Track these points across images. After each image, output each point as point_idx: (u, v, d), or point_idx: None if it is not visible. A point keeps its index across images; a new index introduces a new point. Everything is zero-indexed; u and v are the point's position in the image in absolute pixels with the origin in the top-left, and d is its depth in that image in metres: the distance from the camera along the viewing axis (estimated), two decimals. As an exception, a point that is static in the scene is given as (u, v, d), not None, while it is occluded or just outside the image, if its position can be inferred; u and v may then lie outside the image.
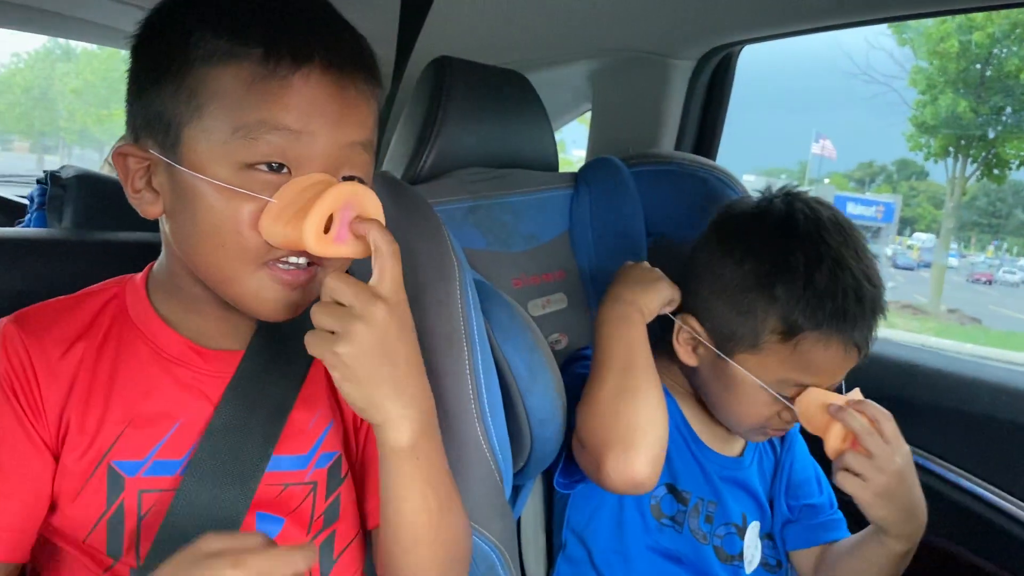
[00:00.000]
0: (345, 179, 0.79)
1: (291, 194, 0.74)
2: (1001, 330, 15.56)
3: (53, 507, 0.82)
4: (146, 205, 0.81)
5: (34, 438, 0.80)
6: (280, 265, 0.78)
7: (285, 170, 0.76)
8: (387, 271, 0.74)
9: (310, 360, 0.90)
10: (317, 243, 0.73)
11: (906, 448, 1.09)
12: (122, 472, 0.82)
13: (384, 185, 1.15)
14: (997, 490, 1.36)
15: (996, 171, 16.10)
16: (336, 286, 0.73)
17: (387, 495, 0.82)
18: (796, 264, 1.09)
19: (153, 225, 1.43)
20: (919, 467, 1.43)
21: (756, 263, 1.12)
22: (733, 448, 1.27)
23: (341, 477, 0.92)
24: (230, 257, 0.77)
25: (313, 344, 0.75)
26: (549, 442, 1.13)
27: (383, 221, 0.76)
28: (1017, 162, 15.50)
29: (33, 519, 0.81)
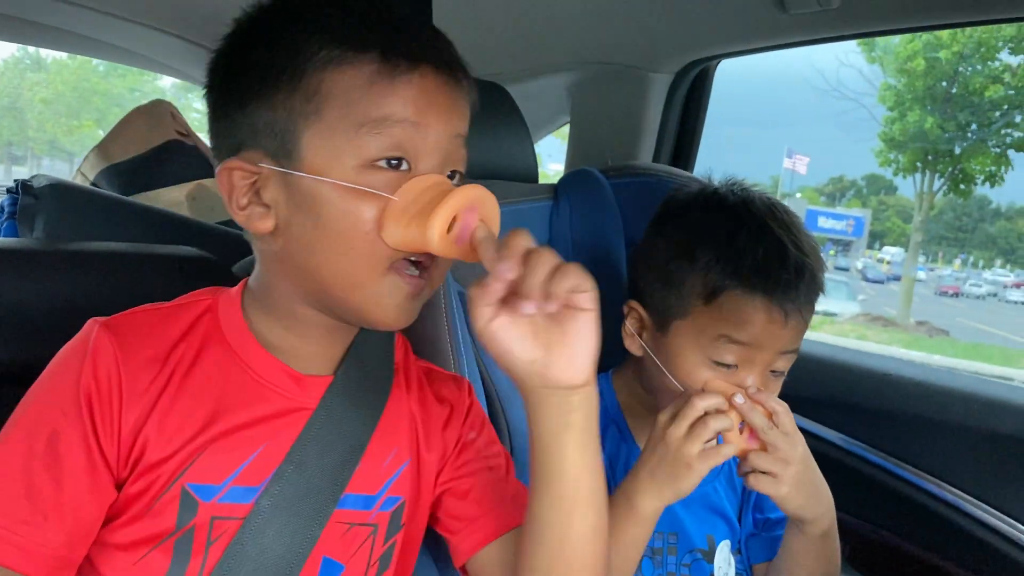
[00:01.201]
0: (450, 176, 0.81)
1: (412, 194, 0.74)
2: (968, 342, 15.79)
3: (108, 523, 0.79)
4: (256, 221, 0.78)
5: (96, 462, 0.76)
6: (403, 269, 0.78)
7: (404, 166, 0.76)
8: None
9: (388, 391, 0.89)
10: (441, 242, 0.72)
11: (801, 436, 1.06)
12: (196, 496, 0.78)
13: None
14: (968, 496, 1.38)
15: (962, 186, 16.40)
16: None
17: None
18: (719, 230, 1.10)
19: (129, 235, 1.41)
20: (893, 475, 1.46)
21: (682, 234, 1.13)
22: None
23: (400, 524, 0.89)
24: (360, 259, 0.75)
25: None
26: (528, 454, 1.13)
27: (499, 226, 0.77)
28: (982, 177, 15.79)
29: (80, 542, 0.77)
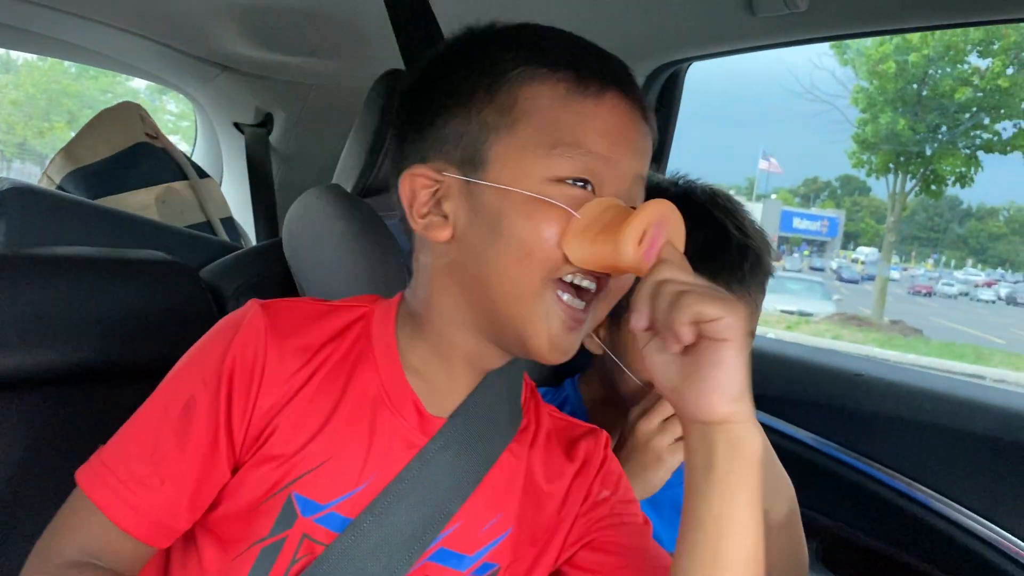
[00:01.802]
0: None
1: (594, 212, 0.74)
2: (941, 340, 16.00)
3: (214, 506, 0.79)
4: (435, 229, 0.78)
5: (220, 437, 0.77)
6: (564, 293, 0.76)
7: (589, 187, 0.76)
8: None
9: (501, 449, 0.86)
10: (634, 251, 0.72)
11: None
12: (298, 508, 0.77)
13: (334, 199, 1.14)
14: (938, 494, 1.39)
15: (933, 187, 16.63)
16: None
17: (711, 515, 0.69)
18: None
19: (96, 240, 1.39)
20: (864, 474, 1.47)
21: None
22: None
23: None
24: (534, 269, 0.75)
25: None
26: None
27: (683, 243, 0.78)
28: (953, 178, 16.02)
29: (186, 513, 0.78)
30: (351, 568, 0.77)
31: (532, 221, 0.74)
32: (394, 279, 1.07)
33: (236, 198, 2.21)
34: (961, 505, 1.37)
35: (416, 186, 0.79)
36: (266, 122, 2.19)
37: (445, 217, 0.78)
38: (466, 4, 1.06)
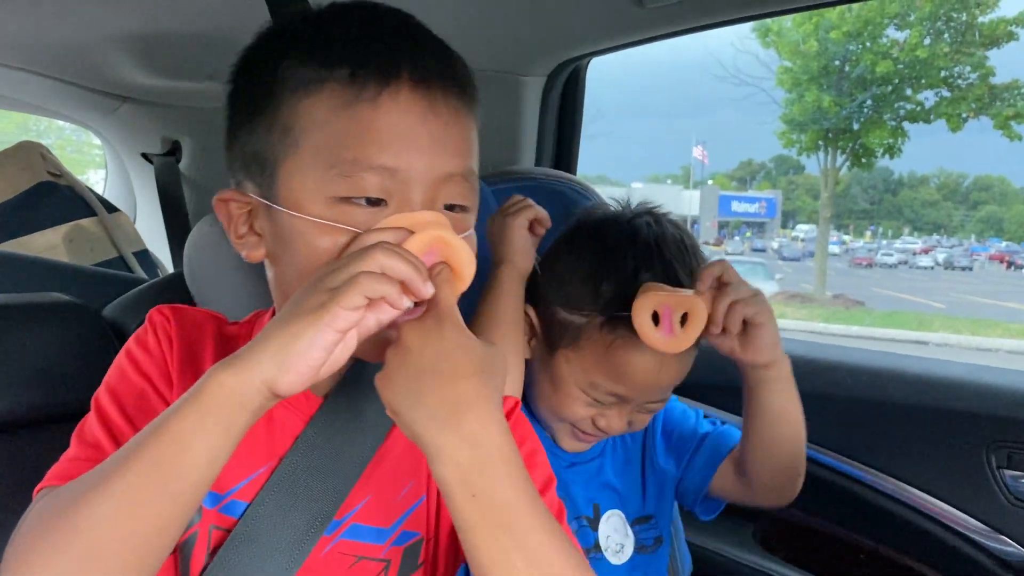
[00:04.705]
0: (446, 207, 0.75)
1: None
2: (884, 310, 16.39)
3: None
4: (250, 250, 0.78)
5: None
6: None
7: (383, 203, 0.72)
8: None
9: (390, 423, 0.83)
10: None
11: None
12: (202, 501, 0.75)
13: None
14: (868, 467, 1.42)
15: (864, 160, 17.05)
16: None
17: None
18: (626, 267, 1.08)
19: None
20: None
21: (589, 262, 1.11)
22: (580, 444, 1.26)
23: (417, 563, 0.84)
24: None
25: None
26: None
27: (472, 269, 0.72)
28: (881, 150, 16.44)
29: None
30: (257, 549, 0.76)
31: (317, 246, 0.72)
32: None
33: (152, 229, 2.17)
34: (887, 475, 1.40)
35: (231, 208, 0.78)
36: (174, 150, 2.15)
37: (260, 236, 0.78)
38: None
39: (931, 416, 1.38)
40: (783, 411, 1.10)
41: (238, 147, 0.78)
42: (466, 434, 0.64)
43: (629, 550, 1.22)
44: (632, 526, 1.24)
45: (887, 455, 1.41)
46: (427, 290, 0.66)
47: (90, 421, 0.77)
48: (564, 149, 1.80)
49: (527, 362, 1.20)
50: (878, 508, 1.39)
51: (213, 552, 0.76)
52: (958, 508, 1.33)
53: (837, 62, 16.79)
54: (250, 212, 0.78)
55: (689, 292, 1.02)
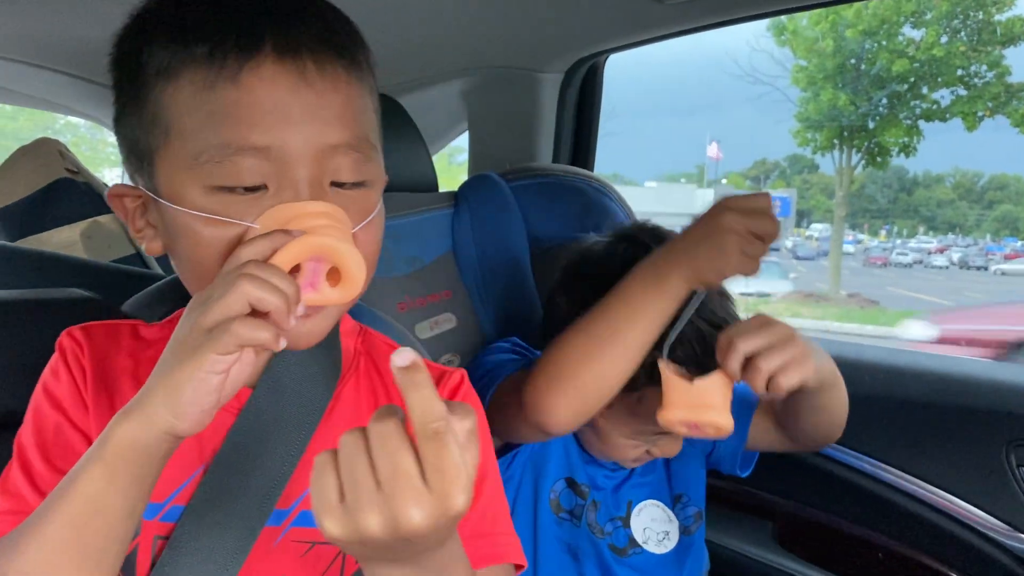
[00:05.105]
0: (336, 185, 0.71)
1: (274, 222, 0.67)
2: (899, 309, 16.25)
3: None
4: (149, 242, 0.76)
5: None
6: None
7: (264, 189, 0.68)
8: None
9: (328, 398, 0.83)
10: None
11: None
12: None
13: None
14: (885, 464, 1.41)
15: (879, 159, 16.92)
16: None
17: None
18: None
19: (18, 283, 1.36)
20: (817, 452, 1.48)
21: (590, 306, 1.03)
22: (634, 464, 1.26)
23: None
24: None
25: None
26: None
27: (363, 274, 0.67)
28: (897, 149, 16.31)
29: None
30: (201, 547, 0.75)
31: (201, 239, 0.69)
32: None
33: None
34: (906, 472, 1.39)
35: (126, 203, 0.77)
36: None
37: (156, 229, 0.76)
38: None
39: (950, 414, 1.37)
40: (827, 398, 1.08)
41: (122, 140, 0.75)
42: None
43: (675, 536, 1.21)
44: (672, 509, 1.24)
45: (906, 453, 1.40)
46: (291, 323, 0.62)
47: (13, 468, 0.76)
48: (582, 146, 1.80)
49: None
50: (896, 506, 1.38)
51: (155, 562, 0.76)
52: (977, 506, 1.32)
53: (853, 61, 16.66)
54: (143, 205, 0.76)
55: (709, 378, 0.95)
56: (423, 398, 0.51)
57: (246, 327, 0.60)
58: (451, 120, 2.06)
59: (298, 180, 0.68)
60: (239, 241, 0.67)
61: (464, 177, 1.65)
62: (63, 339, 0.83)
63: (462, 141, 2.22)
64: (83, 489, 0.63)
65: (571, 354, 0.98)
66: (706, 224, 0.95)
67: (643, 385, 1.03)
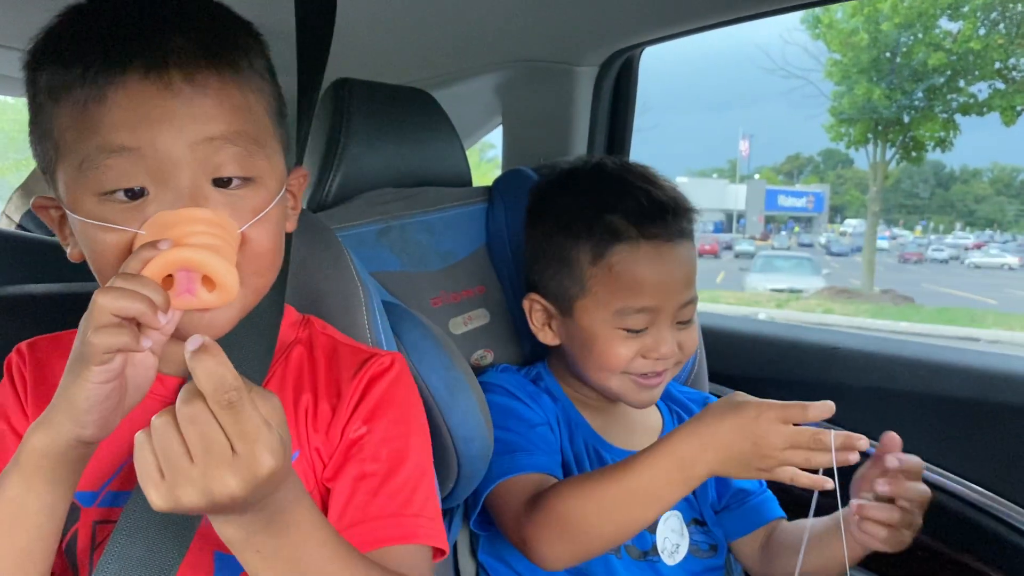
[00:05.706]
0: (221, 184, 0.74)
1: (157, 228, 0.70)
2: (934, 306, 16.03)
3: None
4: (72, 249, 0.80)
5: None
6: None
7: (145, 193, 0.72)
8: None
9: (259, 382, 0.85)
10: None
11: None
12: (77, 502, 0.81)
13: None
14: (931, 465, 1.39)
15: (914, 153, 16.69)
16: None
17: None
18: (583, 199, 1.17)
19: (60, 277, 1.38)
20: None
21: (553, 216, 1.20)
22: (642, 441, 1.24)
23: None
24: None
25: None
26: (476, 460, 1.11)
27: (233, 279, 0.69)
28: (932, 143, 16.08)
29: None
30: (150, 528, 0.76)
31: (96, 246, 0.74)
32: (348, 293, 1.06)
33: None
34: (946, 471, 1.37)
35: (51, 213, 0.81)
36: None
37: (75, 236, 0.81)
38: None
39: (992, 411, 1.35)
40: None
41: (35, 154, 0.80)
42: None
43: (683, 551, 1.20)
44: (688, 526, 1.23)
45: (947, 451, 1.38)
46: (161, 321, 0.65)
47: None
48: (616, 140, 1.79)
49: (562, 346, 1.23)
50: (937, 505, 1.36)
51: (100, 546, 0.79)
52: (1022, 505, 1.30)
53: (888, 54, 16.44)
54: (63, 215, 0.79)
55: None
56: (211, 374, 0.58)
57: (104, 335, 0.63)
58: (484, 115, 2.06)
59: (180, 182, 0.72)
60: (131, 247, 0.71)
61: (495, 173, 1.65)
62: (11, 354, 0.90)
63: (492, 137, 2.22)
64: (4, 494, 0.69)
65: (583, 510, 1.00)
66: (743, 430, 0.93)
67: (614, 248, 1.13)
